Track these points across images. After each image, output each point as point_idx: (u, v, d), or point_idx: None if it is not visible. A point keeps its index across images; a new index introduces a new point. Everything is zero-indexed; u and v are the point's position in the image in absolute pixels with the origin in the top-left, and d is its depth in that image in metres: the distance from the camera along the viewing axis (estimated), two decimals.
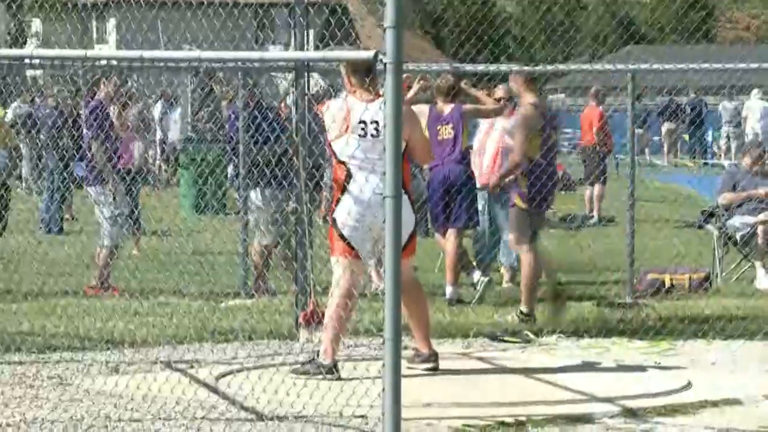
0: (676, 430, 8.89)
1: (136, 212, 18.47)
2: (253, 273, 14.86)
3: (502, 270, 16.13)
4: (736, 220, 17.00)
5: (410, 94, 13.52)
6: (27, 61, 16.23)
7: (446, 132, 14.77)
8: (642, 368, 11.12)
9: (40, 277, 14.71)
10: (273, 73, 16.08)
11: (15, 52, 16.92)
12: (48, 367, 10.78)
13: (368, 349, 11.18)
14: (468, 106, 15.04)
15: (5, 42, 20.79)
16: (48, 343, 11.77)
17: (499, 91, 15.65)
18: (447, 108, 14.85)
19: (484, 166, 15.44)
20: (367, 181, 10.20)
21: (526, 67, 17.64)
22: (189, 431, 8.53)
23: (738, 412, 9.48)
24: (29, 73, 19.13)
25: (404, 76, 10.16)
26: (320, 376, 10.08)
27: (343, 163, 10.42)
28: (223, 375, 10.52)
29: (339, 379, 10.09)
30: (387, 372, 7.06)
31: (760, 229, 16.66)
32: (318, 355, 10.37)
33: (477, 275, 14.98)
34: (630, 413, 9.32)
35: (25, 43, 20.66)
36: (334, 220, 10.45)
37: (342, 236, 10.38)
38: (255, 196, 14.59)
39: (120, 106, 17.12)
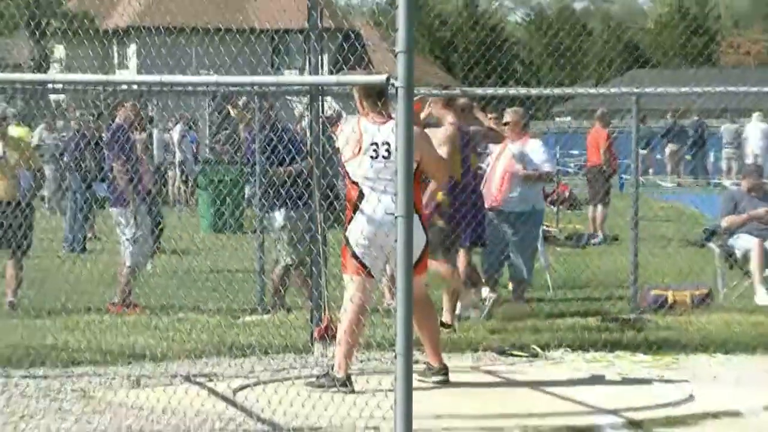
0: None
1: (156, 231, 18.54)
2: (269, 289, 14.88)
3: (510, 287, 16.12)
4: (738, 240, 17.01)
5: (423, 115, 13.53)
6: (50, 85, 16.35)
7: None
8: (645, 381, 11.12)
9: (64, 294, 14.73)
10: (288, 97, 16.11)
11: (39, 76, 16.94)
12: (72, 381, 10.81)
13: (380, 363, 11.21)
14: (474, 128, 15.01)
15: (29, 67, 20.87)
16: (72, 358, 11.79)
17: (507, 116, 15.66)
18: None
19: (492, 188, 15.42)
20: (379, 202, 10.22)
21: (533, 90, 17.70)
22: None
23: (739, 423, 9.50)
24: (52, 97, 19.16)
25: (416, 98, 10.24)
26: (334, 389, 10.11)
27: (355, 183, 10.45)
28: (241, 388, 10.53)
29: (353, 392, 10.10)
30: (399, 385, 7.10)
31: (756, 249, 16.65)
32: (332, 369, 10.41)
33: (485, 292, 15.01)
34: (634, 425, 9.34)
35: (48, 68, 20.72)
36: (347, 239, 10.48)
37: (355, 255, 10.40)
38: (279, 216, 14.60)
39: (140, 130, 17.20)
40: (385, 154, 10.32)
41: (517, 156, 15.21)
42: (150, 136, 20.00)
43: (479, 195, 14.41)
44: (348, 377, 10.33)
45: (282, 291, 14.94)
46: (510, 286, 15.83)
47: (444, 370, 10.72)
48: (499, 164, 15.50)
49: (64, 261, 18.55)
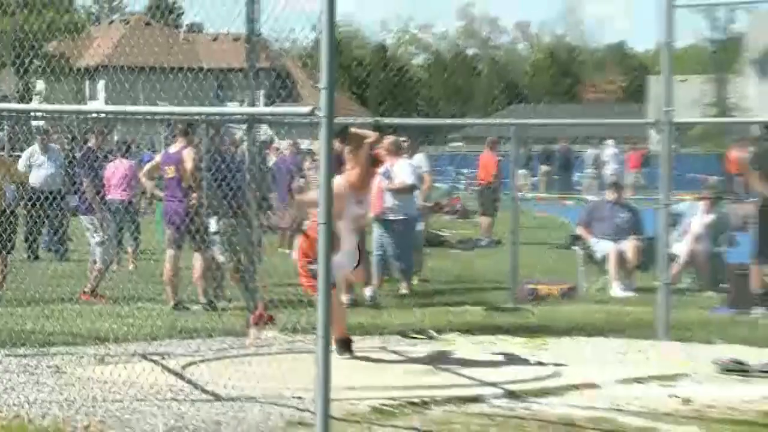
0: (546, 408, 8.92)
1: (134, 232, 18.46)
2: (206, 284, 14.68)
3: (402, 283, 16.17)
4: (597, 243, 17.18)
5: (371, 140, 13.65)
6: (32, 114, 16.23)
7: None
8: (521, 360, 11.13)
9: (41, 287, 14.60)
10: (230, 125, 16.03)
11: (23, 106, 16.83)
12: (47, 359, 10.69)
13: (304, 344, 11.16)
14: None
15: (14, 98, 20.69)
16: (47, 340, 11.67)
17: (385, 142, 15.84)
18: None
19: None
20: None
21: (432, 120, 17.77)
22: (161, 410, 8.49)
23: (596, 393, 9.54)
24: (34, 123, 18.99)
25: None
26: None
27: None
28: (189, 365, 10.46)
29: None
30: (319, 362, 7.10)
31: (612, 252, 16.82)
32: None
33: (369, 291, 15.04)
34: (512, 395, 9.36)
35: (30, 99, 20.54)
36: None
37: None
38: (213, 223, 14.52)
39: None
40: None
41: (384, 174, 15.24)
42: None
43: None
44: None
45: (222, 285, 14.87)
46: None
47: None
48: (374, 181, 15.63)
49: (41, 259, 18.36)
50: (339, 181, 10.14)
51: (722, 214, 17.33)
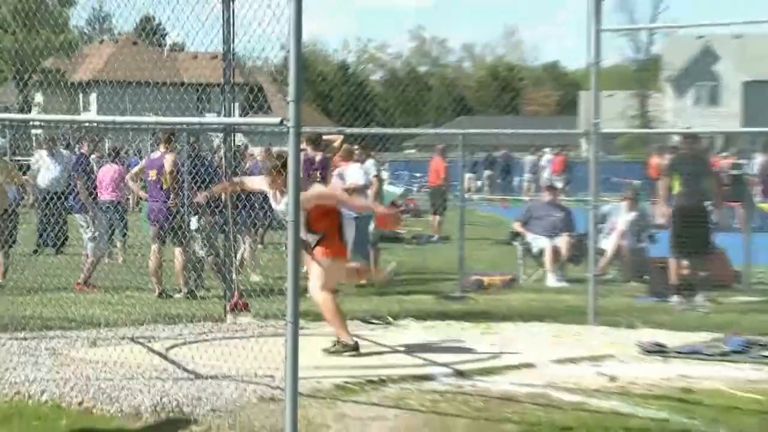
0: (489, 385, 8.92)
1: (123, 228, 18.30)
2: (187, 275, 14.58)
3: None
4: (534, 239, 17.22)
5: (337, 143, 13.69)
6: (31, 123, 16.10)
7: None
8: (467, 342, 11.15)
9: (40, 277, 14.50)
10: (209, 133, 15.95)
11: (23, 116, 16.69)
12: (45, 342, 10.60)
13: (275, 328, 11.12)
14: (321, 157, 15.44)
15: (15, 109, 20.54)
16: (45, 324, 11.58)
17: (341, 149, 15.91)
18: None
19: None
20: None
21: (388, 130, 17.74)
22: (147, 387, 8.43)
23: (533, 372, 9.56)
24: (33, 131, 18.85)
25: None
26: (348, 354, 9.96)
27: None
28: (172, 347, 10.40)
29: (359, 353, 9.97)
30: (288, 344, 7.04)
31: (548, 247, 16.88)
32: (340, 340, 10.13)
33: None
34: (459, 373, 9.36)
35: (30, 110, 20.39)
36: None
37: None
38: (194, 221, 14.44)
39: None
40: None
41: (336, 176, 15.26)
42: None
43: None
44: (355, 342, 10.10)
45: (201, 275, 14.79)
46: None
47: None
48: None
49: (40, 253, 18.20)
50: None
51: (642, 212, 17.40)
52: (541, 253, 17.08)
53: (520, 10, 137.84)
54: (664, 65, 74.67)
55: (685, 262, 14.37)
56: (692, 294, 14.15)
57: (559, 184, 30.29)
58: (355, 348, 10.06)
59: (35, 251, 17.69)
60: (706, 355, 10.36)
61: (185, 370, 9.21)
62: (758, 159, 29.54)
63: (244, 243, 15.90)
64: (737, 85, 72.69)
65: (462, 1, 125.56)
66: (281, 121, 7.02)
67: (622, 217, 17.12)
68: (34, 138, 20.04)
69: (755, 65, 70.57)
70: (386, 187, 31.00)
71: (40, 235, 18.18)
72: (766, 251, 16.32)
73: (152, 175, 14.69)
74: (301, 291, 7.20)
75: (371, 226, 16.00)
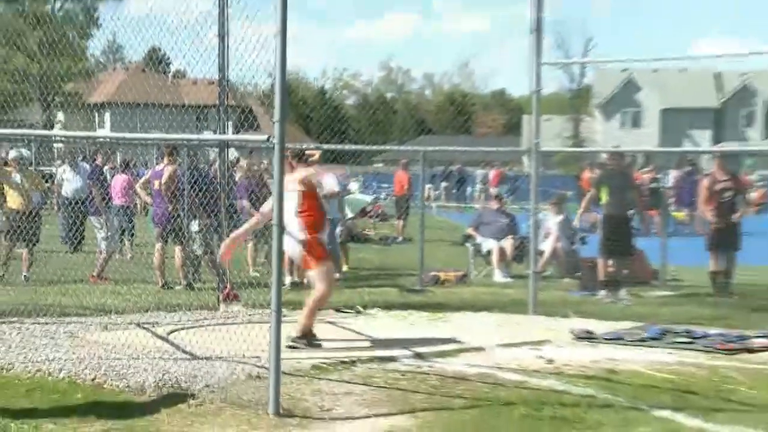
0: (444, 366, 8.93)
1: (131, 229, 18.18)
2: (186, 270, 14.49)
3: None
4: (484, 242, 17.25)
5: (316, 157, 13.55)
6: (54, 138, 16.03)
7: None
8: (426, 329, 11.15)
9: (59, 271, 14.40)
10: (206, 148, 15.91)
11: (46, 132, 16.71)
12: (63, 326, 10.53)
13: (262, 316, 11.09)
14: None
15: (40, 126, 20.42)
16: (63, 311, 11.51)
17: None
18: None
19: None
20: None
21: (360, 146, 17.72)
22: (151, 366, 8.39)
23: (482, 355, 9.56)
24: (55, 145, 18.74)
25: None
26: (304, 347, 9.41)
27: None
28: (173, 331, 10.35)
29: (319, 346, 9.44)
30: (272, 330, 7.06)
31: (495, 248, 16.92)
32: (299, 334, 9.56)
33: (289, 279, 14.43)
34: (418, 356, 9.35)
35: (52, 126, 20.29)
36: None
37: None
38: (195, 224, 14.39)
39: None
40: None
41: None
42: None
43: None
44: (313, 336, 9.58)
45: (198, 270, 14.74)
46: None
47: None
48: None
49: (59, 251, 18.07)
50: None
51: (568, 215, 17.43)
52: (489, 253, 17.12)
53: (473, 46, 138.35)
54: (594, 94, 75.23)
55: (611, 262, 14.44)
56: (617, 289, 14.22)
57: (494, 191, 30.39)
58: (312, 345, 9.55)
59: (74, 248, 17.20)
60: (629, 341, 10.41)
61: (184, 351, 9.16)
62: (672, 174, 29.70)
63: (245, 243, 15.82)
64: (656, 112, 73.30)
65: (425, 38, 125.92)
66: (268, 138, 7.02)
67: (551, 220, 17.19)
68: (55, 150, 19.89)
69: (670, 95, 71.28)
70: (358, 196, 31.13)
71: (65, 235, 18.05)
72: (679, 253, 16.45)
73: (156, 184, 14.68)
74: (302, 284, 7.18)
75: (338, 229, 15.99)
